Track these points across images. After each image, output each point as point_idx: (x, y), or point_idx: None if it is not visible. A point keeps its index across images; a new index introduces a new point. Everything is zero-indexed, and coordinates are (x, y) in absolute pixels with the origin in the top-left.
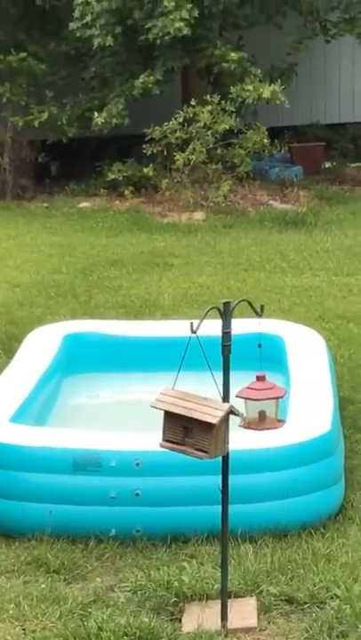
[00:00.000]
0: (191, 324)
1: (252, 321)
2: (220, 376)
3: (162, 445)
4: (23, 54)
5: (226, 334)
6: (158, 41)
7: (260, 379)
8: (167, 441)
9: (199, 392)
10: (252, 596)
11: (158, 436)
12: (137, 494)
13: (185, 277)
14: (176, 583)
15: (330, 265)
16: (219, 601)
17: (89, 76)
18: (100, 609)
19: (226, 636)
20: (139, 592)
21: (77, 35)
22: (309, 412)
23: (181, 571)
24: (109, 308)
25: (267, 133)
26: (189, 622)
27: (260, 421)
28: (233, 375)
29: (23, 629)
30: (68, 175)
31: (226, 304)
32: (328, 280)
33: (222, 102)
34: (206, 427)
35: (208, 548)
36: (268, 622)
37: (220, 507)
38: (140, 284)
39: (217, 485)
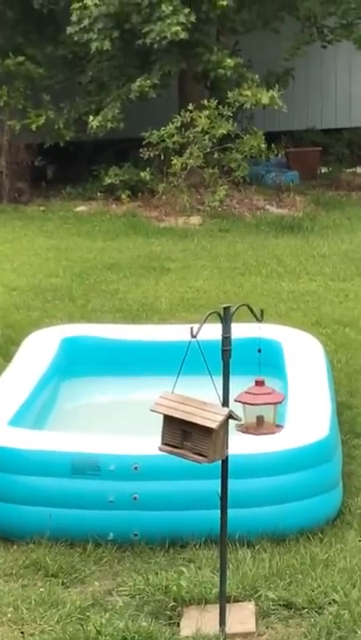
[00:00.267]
0: (191, 328)
1: (250, 326)
2: (218, 380)
3: (160, 449)
4: (21, 58)
5: (226, 339)
6: (155, 45)
7: (259, 383)
8: (166, 444)
9: (198, 396)
10: (250, 600)
11: (157, 440)
12: (135, 498)
13: (182, 281)
14: (174, 587)
15: (326, 270)
16: (217, 605)
17: (86, 79)
18: (99, 613)
19: None
20: (137, 596)
21: (75, 39)
22: (307, 417)
23: (180, 575)
24: (106, 311)
25: (264, 138)
26: (188, 627)
27: (257, 426)
28: (231, 380)
29: (22, 633)
30: (64, 179)
31: (226, 309)
32: (325, 285)
33: (220, 107)
34: (206, 431)
35: (206, 553)
36: (267, 627)
37: (219, 511)
38: (137, 288)
39: (216, 491)
